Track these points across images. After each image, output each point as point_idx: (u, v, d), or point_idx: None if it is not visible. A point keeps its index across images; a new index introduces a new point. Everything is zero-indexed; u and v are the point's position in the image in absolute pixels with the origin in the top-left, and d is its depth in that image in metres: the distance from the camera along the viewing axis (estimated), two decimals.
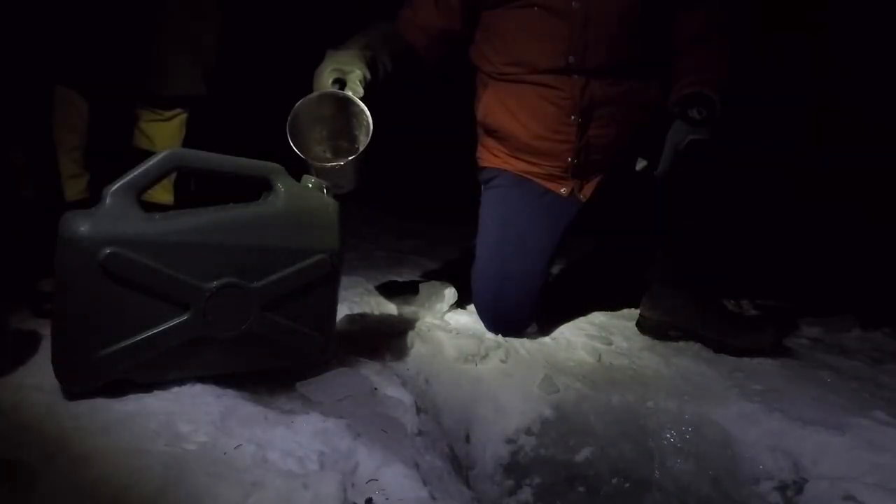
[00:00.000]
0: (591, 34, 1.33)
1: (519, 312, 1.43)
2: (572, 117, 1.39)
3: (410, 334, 1.27)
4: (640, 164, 1.38)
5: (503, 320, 1.40)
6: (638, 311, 1.55)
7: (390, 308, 1.45)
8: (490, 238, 1.48)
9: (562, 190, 1.46)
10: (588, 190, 1.48)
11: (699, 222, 1.40)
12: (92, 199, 0.99)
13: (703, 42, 1.38)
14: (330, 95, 1.07)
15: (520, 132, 1.43)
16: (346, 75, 1.10)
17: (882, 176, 2.37)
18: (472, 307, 1.50)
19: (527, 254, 1.45)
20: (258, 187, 0.96)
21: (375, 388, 1.01)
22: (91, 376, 0.83)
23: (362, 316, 1.36)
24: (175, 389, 0.87)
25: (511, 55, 1.39)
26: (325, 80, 1.10)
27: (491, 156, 1.51)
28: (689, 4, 1.39)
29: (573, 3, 1.31)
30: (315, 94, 1.07)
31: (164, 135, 1.44)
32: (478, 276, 1.47)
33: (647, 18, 1.36)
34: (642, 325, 1.51)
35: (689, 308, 1.44)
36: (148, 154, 0.88)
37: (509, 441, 1.11)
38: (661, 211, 1.45)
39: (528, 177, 1.47)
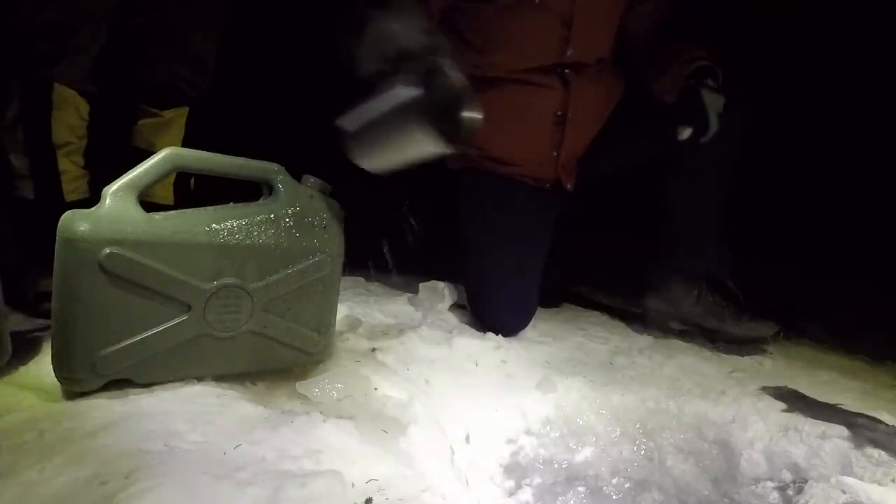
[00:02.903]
0: (579, 33, 1.35)
1: (516, 311, 1.43)
2: (558, 113, 1.40)
3: (410, 334, 1.27)
4: (685, 133, 1.32)
5: (501, 320, 1.40)
6: (638, 309, 1.56)
7: (390, 308, 1.45)
8: (479, 240, 1.48)
9: (546, 185, 1.47)
10: (571, 179, 1.49)
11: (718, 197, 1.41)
12: (92, 199, 0.98)
13: (675, 26, 1.43)
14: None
15: (502, 138, 1.42)
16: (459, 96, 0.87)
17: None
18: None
19: (519, 254, 1.45)
20: (258, 187, 0.96)
21: (375, 388, 1.01)
22: (91, 376, 0.83)
23: (362, 316, 1.36)
24: (175, 389, 0.87)
25: (497, 55, 1.38)
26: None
27: (472, 159, 1.51)
28: None
29: (570, 4, 1.31)
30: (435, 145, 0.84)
31: (163, 135, 1.44)
32: (471, 280, 1.47)
33: (623, 13, 1.42)
34: (645, 317, 1.52)
35: (690, 297, 1.45)
36: (148, 154, 0.88)
37: (509, 441, 1.11)
38: (677, 190, 1.45)
39: (513, 177, 1.47)
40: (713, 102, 1.31)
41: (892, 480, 0.90)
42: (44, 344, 0.99)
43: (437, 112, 0.82)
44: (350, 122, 0.87)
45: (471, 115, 0.84)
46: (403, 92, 0.82)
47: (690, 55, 1.39)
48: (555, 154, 1.45)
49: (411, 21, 0.92)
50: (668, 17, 1.47)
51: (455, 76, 0.86)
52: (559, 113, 1.42)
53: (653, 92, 1.45)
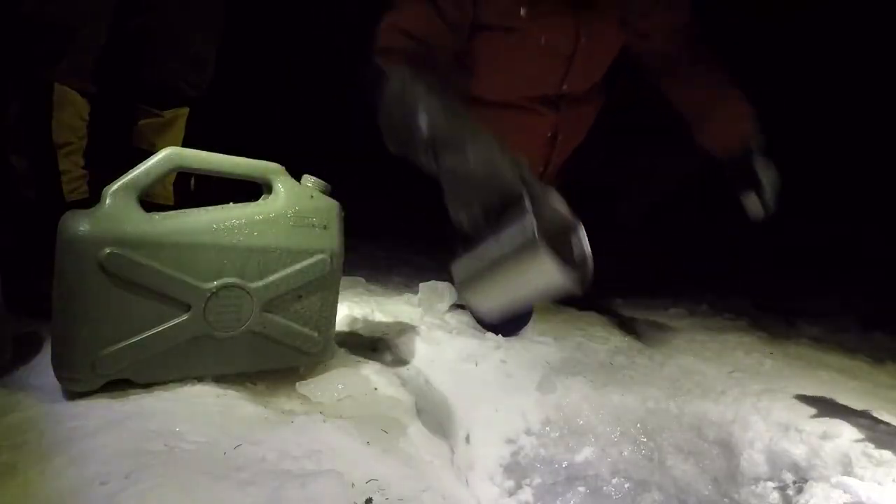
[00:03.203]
0: (577, 71, 1.37)
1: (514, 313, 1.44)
2: (549, 134, 1.44)
3: (410, 334, 1.27)
4: (755, 206, 1.29)
5: (500, 322, 1.40)
6: (638, 309, 1.57)
7: (390, 308, 1.45)
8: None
9: None
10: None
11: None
12: (92, 199, 0.98)
13: (703, 73, 1.39)
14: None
15: None
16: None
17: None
18: None
19: None
20: (258, 187, 0.96)
21: (375, 388, 1.01)
22: (91, 376, 0.83)
23: (362, 316, 1.36)
24: (175, 389, 0.87)
25: (496, 84, 1.37)
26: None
27: None
28: (652, 19, 1.39)
29: (581, 40, 1.31)
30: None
31: (163, 135, 1.44)
32: None
33: (633, 46, 1.42)
34: None
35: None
36: (148, 154, 0.88)
37: (509, 441, 1.10)
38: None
39: None
40: (767, 176, 1.29)
41: (893, 480, 0.90)
42: (44, 344, 0.99)
43: (554, 244, 0.78)
44: (463, 270, 0.83)
45: (585, 246, 0.82)
46: (516, 232, 0.78)
47: (732, 119, 1.35)
48: (541, 169, 1.50)
49: (496, 157, 0.84)
50: (687, 48, 1.41)
51: (562, 207, 0.83)
52: (550, 134, 1.45)
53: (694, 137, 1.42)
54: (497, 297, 0.88)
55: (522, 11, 1.24)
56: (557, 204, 0.83)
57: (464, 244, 0.82)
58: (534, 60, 1.33)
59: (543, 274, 0.77)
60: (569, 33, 1.31)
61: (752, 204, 1.29)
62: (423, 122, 0.89)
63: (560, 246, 0.80)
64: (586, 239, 0.82)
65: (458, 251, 0.82)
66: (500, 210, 0.81)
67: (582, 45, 1.33)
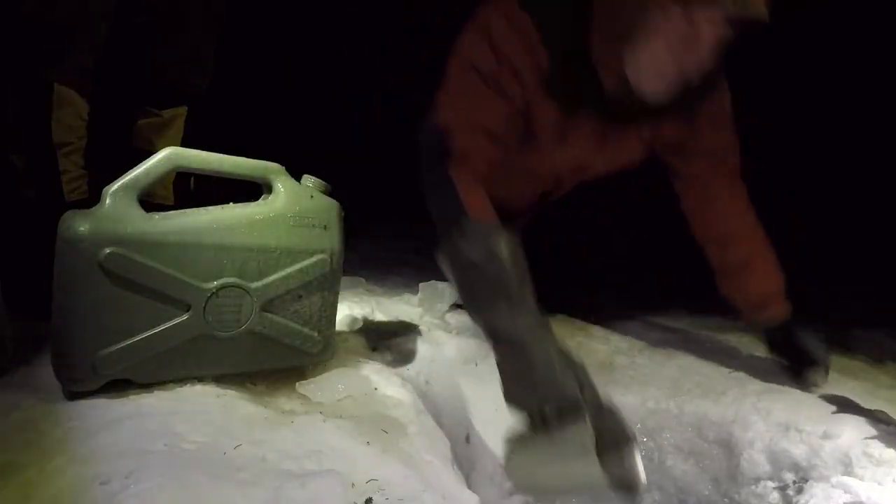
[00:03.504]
0: (594, 172, 1.36)
1: None
2: (540, 192, 1.45)
3: (410, 334, 1.27)
4: (820, 378, 1.25)
5: None
6: (636, 309, 1.57)
7: (390, 308, 1.45)
8: None
9: None
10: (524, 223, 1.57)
11: None
12: (92, 199, 0.99)
13: (737, 217, 1.35)
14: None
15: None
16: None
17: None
18: None
19: None
20: (258, 187, 0.96)
21: (375, 388, 1.01)
22: (91, 376, 0.83)
23: (362, 316, 1.36)
24: (175, 389, 0.87)
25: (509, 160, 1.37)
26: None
27: None
28: (687, 156, 1.34)
29: (600, 156, 1.30)
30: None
31: (163, 135, 1.44)
32: None
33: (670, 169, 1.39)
34: None
35: None
36: (147, 154, 0.88)
37: (510, 441, 1.10)
38: None
39: None
40: (820, 355, 1.27)
41: (893, 480, 0.90)
42: (44, 344, 0.99)
43: (604, 455, 0.81)
44: (517, 464, 0.87)
45: (638, 465, 0.83)
46: (572, 442, 0.81)
47: (764, 293, 1.32)
48: (524, 211, 1.52)
49: (556, 364, 0.87)
50: (721, 175, 1.34)
51: (621, 418, 0.86)
52: (542, 192, 1.46)
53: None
54: (547, 492, 0.93)
55: (551, 129, 1.20)
56: (616, 414, 0.86)
57: (519, 435, 0.85)
58: (549, 160, 1.32)
59: (593, 487, 0.81)
60: (591, 149, 1.28)
61: (813, 377, 1.24)
62: (492, 309, 0.92)
63: (612, 456, 0.82)
64: (640, 458, 0.83)
65: (511, 440, 0.86)
66: (557, 413, 0.83)
67: (600, 159, 1.32)
